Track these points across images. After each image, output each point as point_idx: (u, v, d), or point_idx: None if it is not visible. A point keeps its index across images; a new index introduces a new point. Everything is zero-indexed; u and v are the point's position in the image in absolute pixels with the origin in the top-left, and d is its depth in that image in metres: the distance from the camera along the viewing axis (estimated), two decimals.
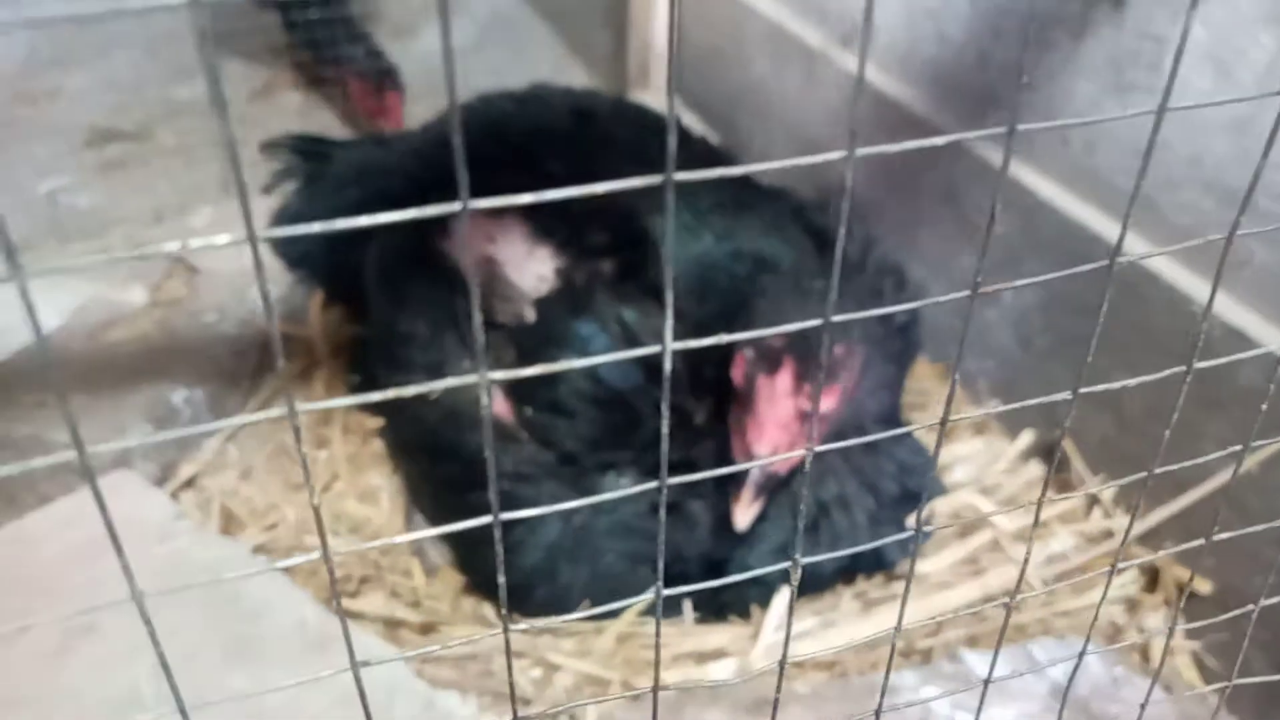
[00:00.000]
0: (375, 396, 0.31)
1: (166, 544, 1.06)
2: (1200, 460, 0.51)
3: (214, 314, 1.32)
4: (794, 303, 0.94)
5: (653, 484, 0.36)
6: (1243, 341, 0.99)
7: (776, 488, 0.96)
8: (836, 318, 0.33)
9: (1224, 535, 0.50)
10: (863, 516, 0.99)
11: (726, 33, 1.79)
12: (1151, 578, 1.08)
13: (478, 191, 0.28)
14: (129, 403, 1.21)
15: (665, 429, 0.34)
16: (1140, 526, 1.08)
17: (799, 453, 0.39)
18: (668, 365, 0.32)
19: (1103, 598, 0.54)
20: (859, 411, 1.01)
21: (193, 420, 1.24)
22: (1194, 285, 1.04)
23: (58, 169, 1.74)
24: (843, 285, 0.98)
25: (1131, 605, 1.07)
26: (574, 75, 2.11)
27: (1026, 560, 0.51)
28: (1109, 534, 1.11)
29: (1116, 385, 0.42)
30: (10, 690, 0.90)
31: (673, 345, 0.31)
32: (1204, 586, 1.04)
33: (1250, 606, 0.56)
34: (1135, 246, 1.10)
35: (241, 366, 1.30)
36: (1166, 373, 0.44)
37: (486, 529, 1.12)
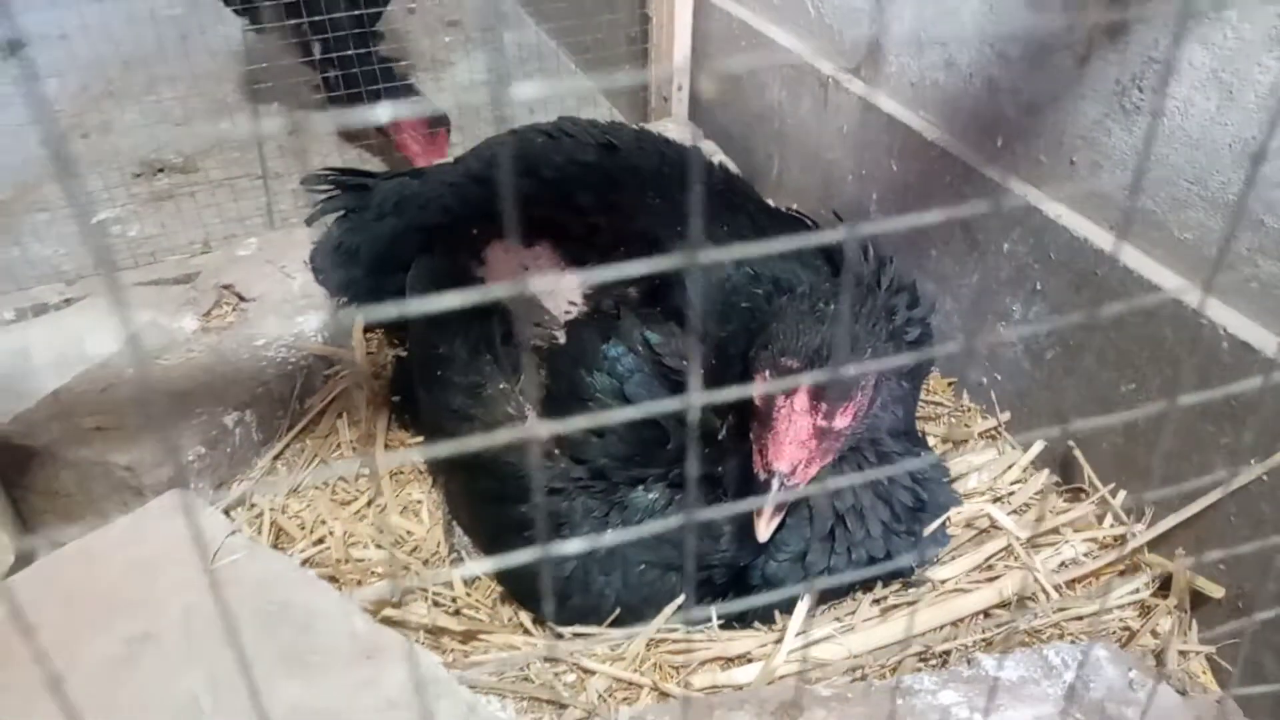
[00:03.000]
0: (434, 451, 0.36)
1: (223, 558, 1.12)
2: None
3: (262, 339, 1.39)
4: (810, 324, 0.98)
5: (676, 523, 0.41)
6: (1249, 352, 1.03)
7: (795, 500, 1.01)
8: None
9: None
10: (878, 526, 1.04)
11: (743, 62, 1.84)
12: (1163, 582, 1.12)
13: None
14: (183, 425, 1.27)
15: (694, 471, 0.39)
16: (1151, 533, 1.11)
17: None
18: (694, 416, 0.37)
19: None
20: (874, 425, 1.05)
21: (244, 441, 1.31)
22: (1198, 299, 1.08)
23: (109, 200, 1.83)
24: (857, 305, 1.03)
25: (1144, 609, 1.10)
26: (598, 105, 2.17)
27: None
28: (1121, 540, 1.14)
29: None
30: (73, 701, 0.96)
31: (700, 398, 0.36)
32: (1216, 591, 1.07)
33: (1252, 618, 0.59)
34: (1141, 262, 1.14)
35: (288, 389, 1.37)
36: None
37: (523, 543, 1.19)
